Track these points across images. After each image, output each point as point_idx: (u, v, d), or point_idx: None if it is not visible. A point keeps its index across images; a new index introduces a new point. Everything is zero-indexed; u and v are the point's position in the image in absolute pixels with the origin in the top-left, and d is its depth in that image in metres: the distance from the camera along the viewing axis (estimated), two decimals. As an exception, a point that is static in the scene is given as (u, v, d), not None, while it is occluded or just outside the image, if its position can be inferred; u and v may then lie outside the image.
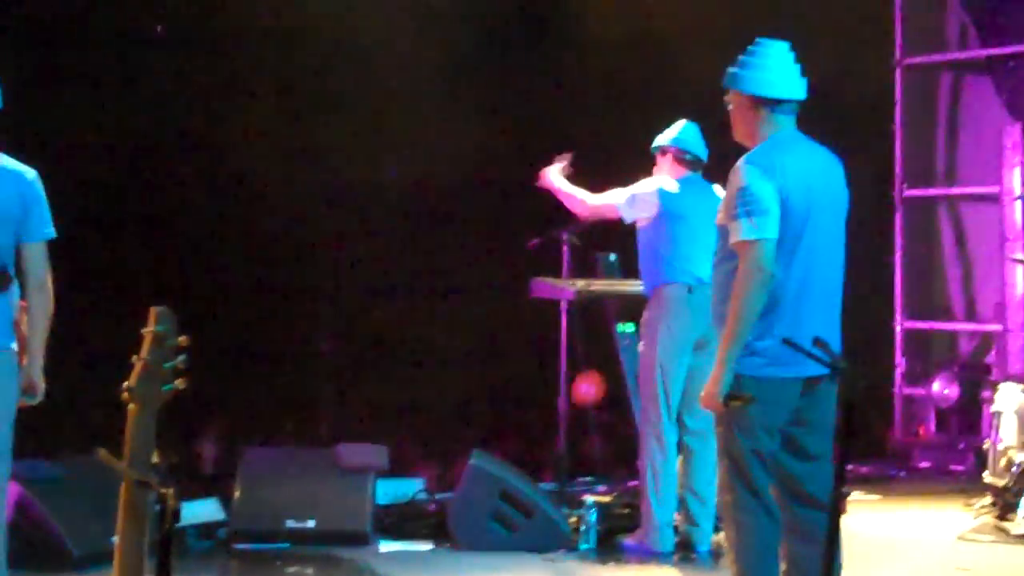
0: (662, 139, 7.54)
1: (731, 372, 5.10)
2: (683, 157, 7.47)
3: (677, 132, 7.50)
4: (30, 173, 5.37)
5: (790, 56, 5.32)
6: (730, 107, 5.35)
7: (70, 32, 9.14)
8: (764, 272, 5.03)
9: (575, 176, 7.74)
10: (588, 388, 9.12)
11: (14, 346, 5.34)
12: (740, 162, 5.17)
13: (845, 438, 4.58)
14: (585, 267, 8.35)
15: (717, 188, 7.21)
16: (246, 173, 9.74)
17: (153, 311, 3.60)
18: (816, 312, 5.17)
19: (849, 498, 4.60)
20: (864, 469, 9.98)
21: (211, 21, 9.47)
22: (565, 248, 8.29)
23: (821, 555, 4.97)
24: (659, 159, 7.55)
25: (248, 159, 9.89)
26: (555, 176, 7.68)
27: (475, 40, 9.98)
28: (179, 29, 9.55)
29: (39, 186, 5.37)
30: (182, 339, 3.60)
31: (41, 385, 5.40)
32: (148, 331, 3.58)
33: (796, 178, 5.12)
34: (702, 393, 5.21)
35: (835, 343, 5.21)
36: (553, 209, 8.28)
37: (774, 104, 5.23)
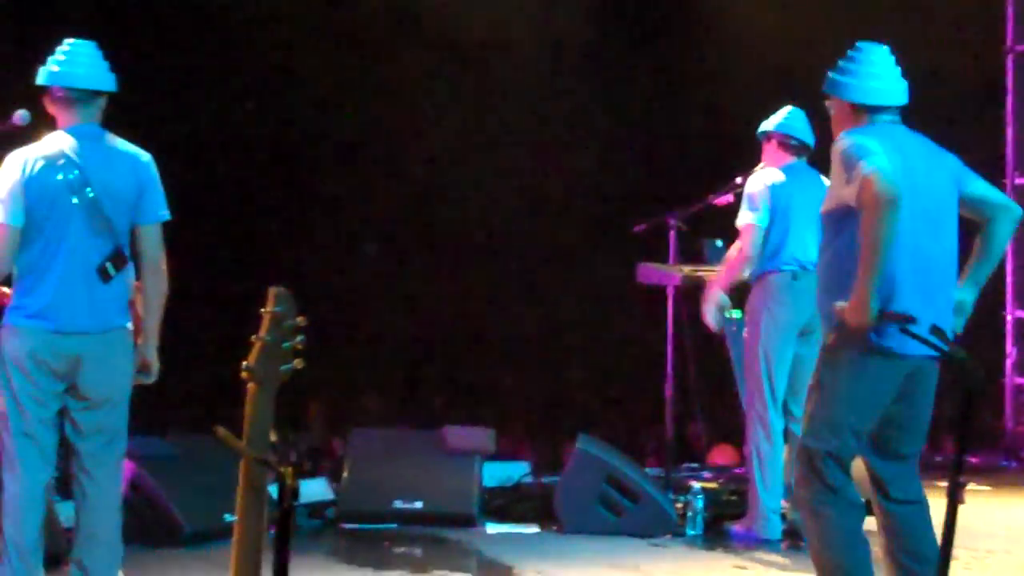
0: (767, 125, 7.44)
1: (876, 299, 4.87)
2: (788, 143, 7.37)
3: (782, 118, 7.40)
4: (144, 156, 5.41)
5: (891, 61, 5.23)
6: (832, 112, 5.28)
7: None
8: (889, 196, 4.81)
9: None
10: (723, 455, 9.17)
11: (129, 325, 5.38)
12: (839, 137, 5.09)
13: (964, 428, 4.50)
14: (692, 252, 8.26)
15: (823, 176, 7.10)
16: (360, 166, 9.82)
17: (272, 292, 3.58)
18: (922, 296, 4.99)
19: (966, 488, 4.50)
20: (974, 459, 9.83)
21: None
22: (672, 233, 8.21)
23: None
24: (764, 145, 7.46)
25: (359, 151, 9.97)
26: (709, 297, 7.36)
27: (592, 37, 9.98)
28: (307, 32, 9.64)
29: (154, 169, 5.41)
30: (300, 319, 3.58)
31: (155, 364, 5.44)
32: (267, 311, 3.56)
33: (893, 159, 4.95)
34: (845, 306, 4.91)
35: (947, 329, 5.00)
36: (660, 194, 8.23)
37: (875, 111, 5.16)
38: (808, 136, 7.37)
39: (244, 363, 3.53)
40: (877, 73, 5.17)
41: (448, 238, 10.17)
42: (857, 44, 5.26)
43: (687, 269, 7.99)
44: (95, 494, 5.34)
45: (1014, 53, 10.91)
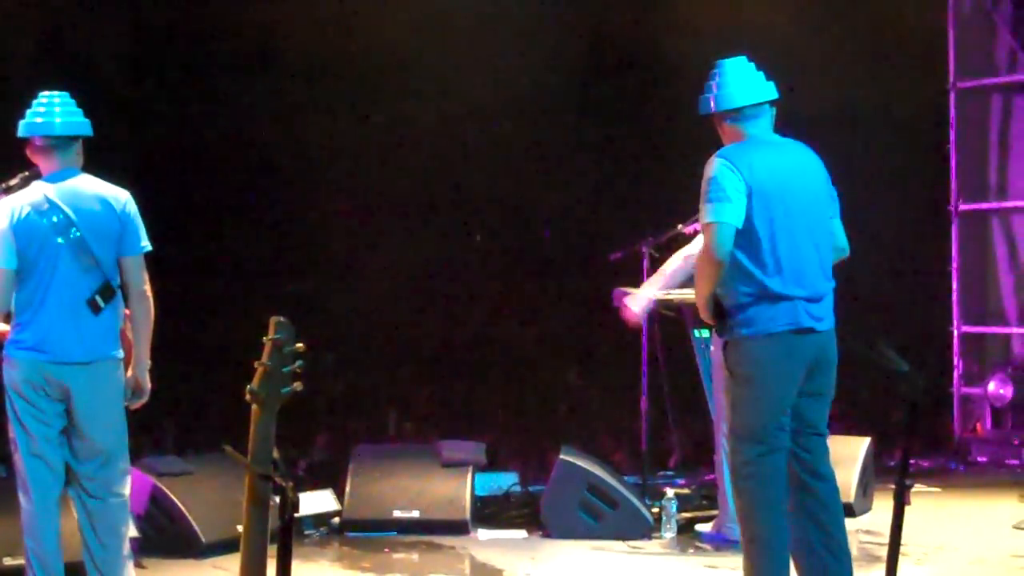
0: None
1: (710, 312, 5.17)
2: None
3: None
4: (123, 194, 5.46)
5: (746, 67, 5.37)
6: (719, 131, 5.39)
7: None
8: (717, 258, 5.07)
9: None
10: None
11: (119, 354, 5.41)
12: (713, 156, 5.21)
13: (909, 434, 4.54)
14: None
15: None
16: (355, 192, 9.84)
17: (273, 321, 3.62)
18: (797, 279, 5.13)
19: (912, 490, 4.54)
20: (926, 463, 9.86)
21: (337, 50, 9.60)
22: (644, 260, 8.23)
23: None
24: None
25: (355, 177, 9.99)
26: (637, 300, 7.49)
27: (570, 76, 10.04)
28: (305, 56, 9.67)
29: (132, 205, 5.46)
30: (299, 346, 3.62)
31: (147, 386, 5.47)
32: (268, 339, 3.61)
33: (763, 169, 5.12)
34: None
35: (826, 308, 5.23)
36: (633, 224, 8.27)
37: (737, 114, 5.29)
38: None
39: (248, 387, 3.57)
40: (730, 81, 5.32)
41: (435, 256, 10.18)
42: (716, 61, 5.41)
43: (659, 293, 8.00)
44: (98, 511, 5.36)
45: (956, 89, 10.97)
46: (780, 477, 5.18)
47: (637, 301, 7.40)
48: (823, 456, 5.33)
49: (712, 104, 5.34)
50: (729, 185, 5.09)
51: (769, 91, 5.35)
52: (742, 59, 5.38)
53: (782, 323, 5.12)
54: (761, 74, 5.37)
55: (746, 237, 5.12)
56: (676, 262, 7.37)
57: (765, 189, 5.13)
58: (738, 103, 5.29)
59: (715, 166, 5.15)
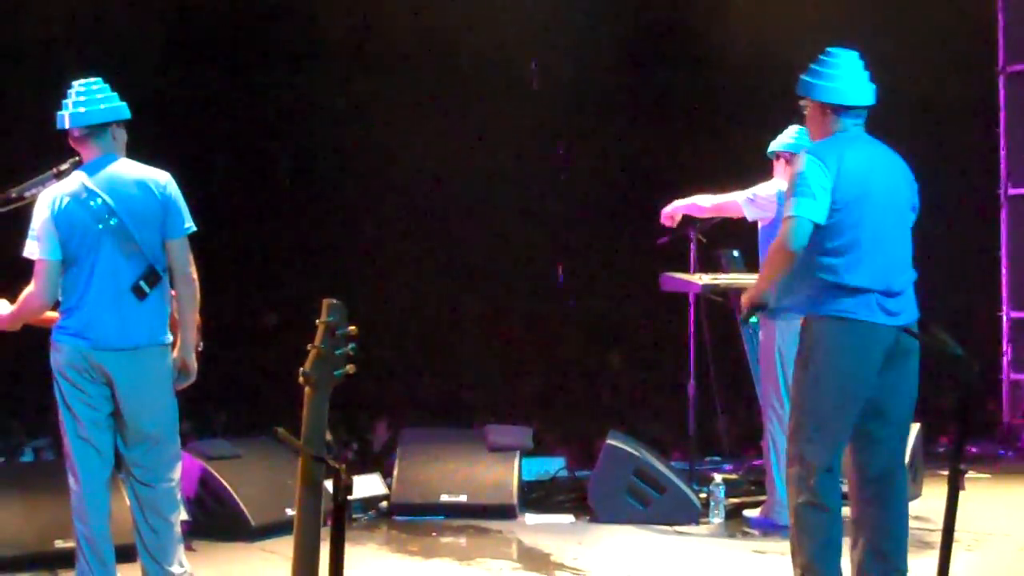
0: (776, 144, 7.41)
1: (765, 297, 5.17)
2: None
3: (789, 137, 7.35)
4: (163, 176, 5.43)
5: (859, 64, 5.32)
6: (805, 111, 5.38)
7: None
8: (790, 250, 5.08)
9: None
10: None
11: (167, 338, 5.41)
12: (804, 151, 5.22)
13: (963, 420, 4.49)
14: (710, 262, 8.24)
15: None
16: (409, 180, 9.86)
17: (326, 303, 3.61)
18: (876, 273, 5.12)
19: (966, 476, 4.49)
20: (974, 449, 9.78)
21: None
22: (692, 245, 8.19)
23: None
24: (775, 163, 7.43)
25: (407, 166, 10.00)
26: (674, 204, 7.56)
27: (615, 58, 10.01)
28: (339, 47, 9.69)
29: (173, 187, 5.42)
30: (352, 328, 3.60)
31: (194, 367, 5.45)
32: (321, 322, 3.59)
33: (853, 172, 5.12)
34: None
35: (909, 306, 5.21)
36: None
37: (843, 110, 5.25)
38: None
39: (301, 369, 3.56)
40: (845, 76, 5.27)
41: (484, 246, 10.19)
42: (828, 49, 5.34)
43: (707, 277, 7.97)
44: (147, 497, 5.36)
45: (1005, 74, 10.86)
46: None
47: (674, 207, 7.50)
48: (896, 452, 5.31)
49: (812, 92, 5.29)
50: (815, 181, 5.09)
51: (869, 95, 5.31)
52: (854, 54, 5.33)
53: (860, 313, 5.09)
54: (867, 74, 5.33)
55: (829, 230, 5.11)
56: (730, 198, 7.34)
57: (852, 184, 5.12)
58: (838, 100, 5.24)
59: (804, 161, 5.15)
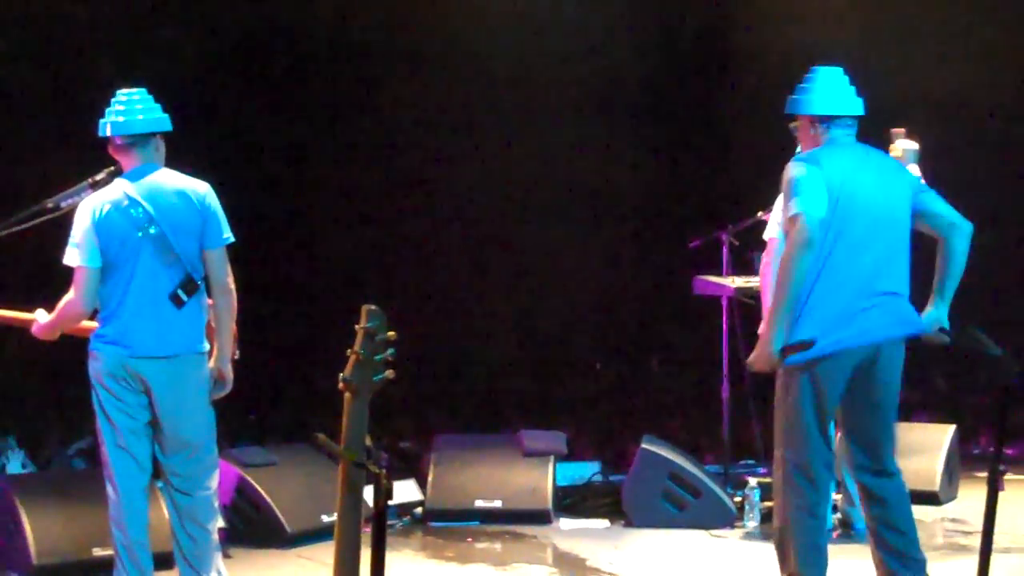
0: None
1: (781, 333, 5.08)
2: None
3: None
4: (203, 186, 5.47)
5: (842, 79, 5.41)
6: (796, 132, 5.48)
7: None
8: (805, 238, 5.06)
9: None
10: None
11: (204, 347, 5.45)
12: (790, 162, 5.27)
13: (1002, 420, 4.48)
14: (743, 265, 8.24)
15: None
16: (445, 186, 9.90)
17: (364, 309, 3.63)
18: (865, 295, 5.15)
19: (1006, 476, 4.49)
20: (1011, 451, 9.70)
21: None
22: (724, 248, 8.19)
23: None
24: None
25: (434, 174, 10.04)
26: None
27: (648, 62, 10.03)
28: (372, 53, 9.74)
29: (212, 197, 5.47)
30: (391, 334, 3.62)
31: (230, 376, 5.48)
32: (360, 327, 3.62)
33: (842, 170, 5.17)
34: (751, 357, 5.20)
35: (907, 317, 5.23)
36: (712, 211, 8.23)
37: (828, 120, 5.31)
38: None
39: (341, 375, 3.59)
40: (828, 89, 5.35)
41: (518, 250, 10.21)
42: (812, 68, 5.43)
43: (740, 280, 7.96)
44: (185, 505, 5.40)
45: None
46: None
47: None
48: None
49: (796, 107, 5.39)
50: (810, 180, 5.13)
51: (854, 106, 5.37)
52: (837, 70, 5.42)
53: (825, 347, 5.13)
54: (851, 88, 5.40)
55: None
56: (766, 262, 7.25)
57: (842, 190, 5.15)
58: (821, 111, 5.32)
59: (794, 167, 5.20)
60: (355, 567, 3.61)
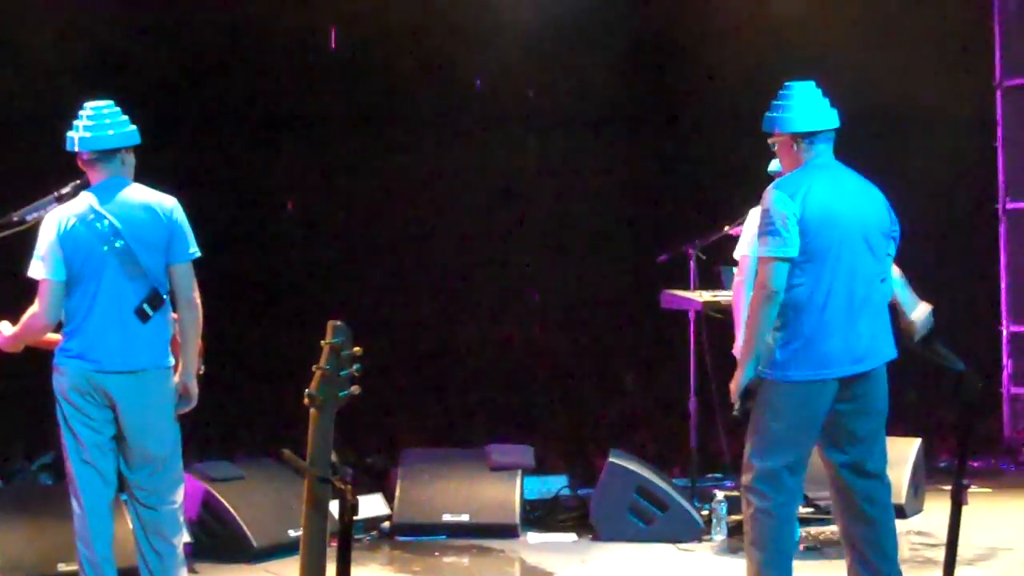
0: (774, 165, 7.35)
1: (748, 376, 5.17)
2: None
3: None
4: (169, 201, 5.46)
5: (815, 92, 5.43)
6: (775, 148, 5.47)
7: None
8: (771, 289, 5.13)
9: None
10: None
11: (170, 362, 5.43)
12: (771, 186, 5.31)
13: (965, 434, 4.52)
14: (710, 279, 8.27)
15: None
16: (408, 204, 9.91)
17: (330, 325, 3.64)
18: (843, 320, 5.17)
19: (968, 490, 4.53)
20: (975, 463, 9.79)
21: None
22: (691, 262, 8.22)
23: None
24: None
25: (401, 189, 10.04)
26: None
27: (614, 78, 10.06)
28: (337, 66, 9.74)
29: (179, 212, 5.46)
30: (356, 349, 3.63)
31: (195, 391, 5.46)
32: (326, 343, 3.62)
33: (820, 200, 5.19)
34: (732, 384, 5.26)
35: (880, 347, 5.25)
36: (680, 227, 8.27)
37: (809, 136, 5.33)
38: None
39: (306, 391, 3.59)
40: (804, 104, 5.37)
41: (481, 264, 10.23)
42: (785, 83, 5.45)
43: (707, 295, 7.99)
44: (150, 520, 5.38)
45: (1002, 88, 10.92)
46: None
47: None
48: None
49: (777, 125, 5.40)
50: (785, 217, 5.15)
51: (832, 119, 5.40)
52: (811, 84, 5.44)
53: (808, 373, 5.18)
54: (827, 101, 5.43)
55: (800, 267, 5.17)
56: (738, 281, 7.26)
57: (824, 216, 5.18)
58: (804, 128, 5.33)
59: (773, 197, 5.22)
60: (320, 583, 3.61)
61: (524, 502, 7.87)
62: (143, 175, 5.53)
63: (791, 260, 5.15)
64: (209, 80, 9.44)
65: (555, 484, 8.52)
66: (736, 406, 5.25)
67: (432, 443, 9.09)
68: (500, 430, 9.12)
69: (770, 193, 5.25)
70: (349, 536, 3.51)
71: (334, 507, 3.68)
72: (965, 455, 4.47)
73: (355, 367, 3.64)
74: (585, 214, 10.32)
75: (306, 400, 3.58)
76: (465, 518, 7.67)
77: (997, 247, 10.89)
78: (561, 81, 10.07)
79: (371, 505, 7.82)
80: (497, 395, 10.07)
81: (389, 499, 7.87)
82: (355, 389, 3.63)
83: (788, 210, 5.16)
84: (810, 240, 5.16)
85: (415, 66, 9.74)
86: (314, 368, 3.60)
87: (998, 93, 10.90)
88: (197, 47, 9.32)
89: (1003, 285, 10.88)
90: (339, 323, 3.64)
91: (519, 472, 7.84)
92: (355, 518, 7.48)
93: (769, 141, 5.49)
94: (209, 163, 9.25)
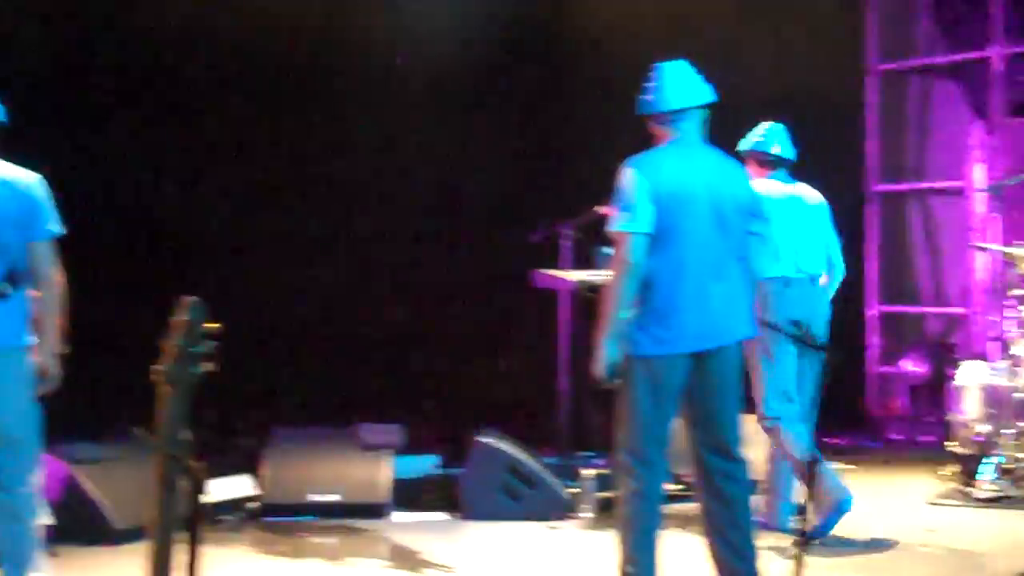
0: (744, 144, 7.20)
1: (611, 352, 5.26)
2: (765, 159, 7.15)
3: (757, 136, 7.20)
4: (31, 177, 5.38)
5: (685, 72, 5.49)
6: (651, 130, 5.53)
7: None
8: (628, 262, 5.21)
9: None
10: None
11: (28, 341, 5.34)
12: (626, 163, 5.37)
13: (819, 407, 4.62)
14: (585, 259, 8.30)
15: (802, 186, 7.18)
16: (271, 176, 9.80)
17: (184, 301, 3.59)
18: (693, 296, 5.26)
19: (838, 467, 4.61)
20: (841, 440, 9.99)
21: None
22: (566, 243, 8.25)
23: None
24: (746, 162, 7.03)
25: (273, 163, 9.93)
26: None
27: (488, 51, 10.05)
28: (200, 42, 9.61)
29: (41, 188, 5.38)
30: (212, 326, 3.58)
31: (54, 371, 5.39)
32: (178, 319, 3.57)
33: (672, 177, 5.28)
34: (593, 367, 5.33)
35: (732, 324, 5.37)
36: (553, 206, 8.29)
37: (673, 115, 5.43)
38: (786, 150, 7.18)
39: (155, 367, 3.54)
40: (670, 83, 5.45)
41: (357, 242, 10.18)
42: (655, 65, 5.52)
43: (581, 275, 8.02)
44: (5, 502, 5.29)
45: (874, 71, 11.12)
46: None
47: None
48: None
49: (642, 106, 5.48)
50: (637, 193, 5.24)
51: (701, 95, 5.45)
52: (682, 63, 5.50)
53: (662, 348, 5.27)
54: (699, 77, 5.48)
55: (653, 244, 5.25)
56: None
57: (675, 193, 5.26)
58: (664, 107, 5.42)
59: (625, 176, 5.31)
60: (167, 563, 3.57)
61: (395, 482, 7.85)
62: (9, 153, 5.41)
63: (647, 235, 5.22)
64: (94, 55, 9.28)
65: (427, 464, 8.51)
66: (603, 382, 5.31)
67: (307, 424, 9.03)
68: (375, 410, 9.07)
69: (623, 171, 5.32)
70: (199, 516, 3.47)
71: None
72: (815, 428, 4.57)
73: (210, 344, 3.59)
74: (458, 193, 10.32)
75: (152, 376, 3.53)
76: (335, 498, 7.62)
77: (866, 229, 11.10)
78: (433, 56, 10.03)
79: (238, 486, 7.73)
80: (371, 375, 10.03)
81: (257, 479, 7.79)
82: (209, 366, 3.59)
83: (641, 186, 5.22)
84: (662, 217, 5.23)
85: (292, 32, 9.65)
86: (164, 344, 3.54)
87: (869, 77, 11.09)
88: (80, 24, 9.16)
89: (872, 266, 11.11)
90: (193, 299, 3.59)
91: (390, 452, 7.82)
92: (222, 499, 7.47)
93: (647, 124, 5.54)
94: (76, 141, 9.08)
